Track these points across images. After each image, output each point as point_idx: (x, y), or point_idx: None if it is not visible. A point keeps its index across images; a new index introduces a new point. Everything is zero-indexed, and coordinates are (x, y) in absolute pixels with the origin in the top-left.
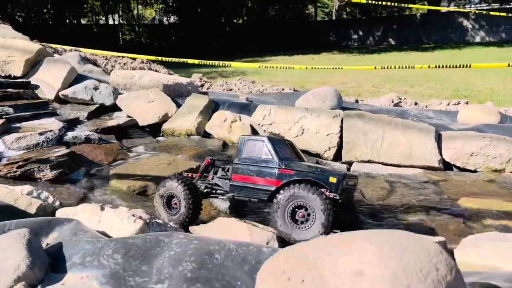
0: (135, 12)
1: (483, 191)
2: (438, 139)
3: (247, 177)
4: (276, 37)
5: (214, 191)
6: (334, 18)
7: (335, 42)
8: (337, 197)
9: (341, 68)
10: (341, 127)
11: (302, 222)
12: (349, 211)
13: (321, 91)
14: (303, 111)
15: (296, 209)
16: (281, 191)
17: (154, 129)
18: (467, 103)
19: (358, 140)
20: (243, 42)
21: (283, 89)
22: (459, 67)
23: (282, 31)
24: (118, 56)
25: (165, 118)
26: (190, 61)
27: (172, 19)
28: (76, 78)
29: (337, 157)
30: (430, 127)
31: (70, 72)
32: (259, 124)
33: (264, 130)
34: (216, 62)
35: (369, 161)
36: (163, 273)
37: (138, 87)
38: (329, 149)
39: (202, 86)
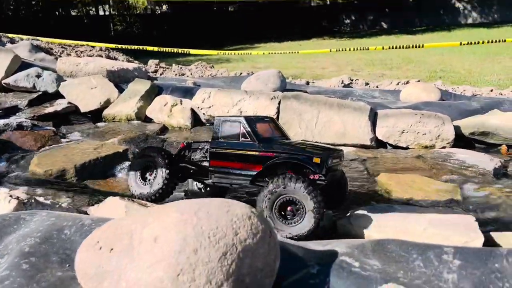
0: (127, 2)
1: (407, 167)
2: (374, 117)
3: (226, 162)
4: (269, 24)
5: (193, 173)
6: (328, 3)
7: (328, 27)
8: (323, 178)
9: (297, 52)
10: (279, 108)
11: (290, 217)
12: (340, 188)
13: (264, 74)
14: (243, 93)
15: (285, 204)
16: (270, 185)
17: (96, 115)
18: (419, 81)
19: (293, 120)
20: (234, 30)
21: (241, 73)
22: (413, 47)
23: (275, 17)
24: (77, 45)
25: (107, 104)
26: (149, 48)
27: (164, 8)
28: (21, 66)
29: None
30: (365, 106)
31: (13, 60)
32: (198, 107)
33: (204, 113)
34: (176, 50)
35: (303, 141)
36: (8, 249)
37: (84, 73)
38: None
39: (155, 71)
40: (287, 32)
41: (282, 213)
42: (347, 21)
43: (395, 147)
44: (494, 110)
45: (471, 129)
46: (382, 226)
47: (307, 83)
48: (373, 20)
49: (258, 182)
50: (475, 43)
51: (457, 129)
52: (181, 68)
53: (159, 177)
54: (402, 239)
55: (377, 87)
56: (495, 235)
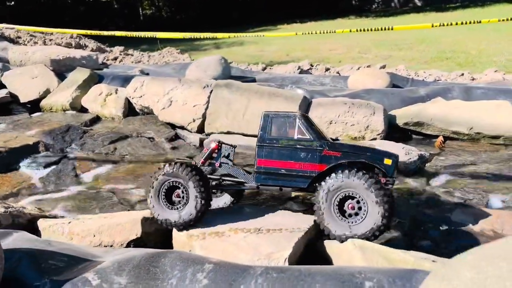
0: None
1: None
2: (307, 107)
3: (278, 162)
4: (294, 4)
5: (222, 183)
6: None
7: (357, 6)
8: (391, 182)
9: (263, 36)
10: (210, 97)
11: (350, 215)
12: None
13: (204, 61)
14: (176, 82)
15: (345, 200)
16: (327, 178)
17: (36, 106)
18: (383, 67)
19: (221, 110)
20: (260, 11)
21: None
22: (382, 29)
23: None
24: (47, 33)
25: (46, 94)
26: (118, 33)
27: None
28: None
29: (202, 129)
30: (297, 95)
31: None
32: (130, 97)
33: (135, 103)
34: (143, 34)
35: (228, 132)
36: None
37: (32, 62)
38: (194, 120)
39: (115, 59)
40: (313, 12)
41: (344, 211)
42: None
43: (332, 138)
44: (437, 98)
45: (406, 119)
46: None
47: (263, 69)
48: None
49: (319, 186)
50: (459, 22)
51: (393, 119)
52: (142, 55)
53: (191, 202)
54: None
55: (338, 73)
56: (328, 244)
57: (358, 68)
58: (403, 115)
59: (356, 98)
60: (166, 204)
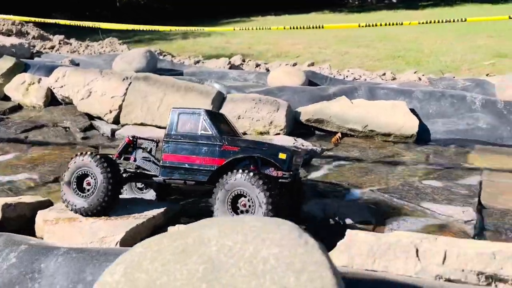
0: None
1: None
2: (221, 102)
3: (182, 156)
4: None
5: (136, 176)
6: None
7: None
8: (286, 176)
9: (203, 30)
10: (128, 90)
11: (242, 212)
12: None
13: (130, 54)
14: (97, 73)
15: (238, 198)
16: (223, 176)
17: None
18: (312, 64)
19: (137, 102)
20: (237, 2)
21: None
22: (314, 28)
23: None
24: None
25: None
26: (62, 22)
27: None
28: None
29: (118, 120)
30: (211, 90)
31: None
32: (52, 87)
33: (56, 93)
34: (86, 24)
35: (142, 124)
36: None
37: None
38: (110, 112)
39: (52, 48)
40: (289, 6)
41: (237, 207)
42: None
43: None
44: (342, 97)
45: (308, 116)
46: None
47: (197, 62)
48: None
49: (215, 178)
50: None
51: (298, 115)
52: (80, 44)
53: (100, 187)
54: None
55: (267, 69)
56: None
57: (286, 65)
58: (307, 112)
59: (269, 94)
60: (76, 192)
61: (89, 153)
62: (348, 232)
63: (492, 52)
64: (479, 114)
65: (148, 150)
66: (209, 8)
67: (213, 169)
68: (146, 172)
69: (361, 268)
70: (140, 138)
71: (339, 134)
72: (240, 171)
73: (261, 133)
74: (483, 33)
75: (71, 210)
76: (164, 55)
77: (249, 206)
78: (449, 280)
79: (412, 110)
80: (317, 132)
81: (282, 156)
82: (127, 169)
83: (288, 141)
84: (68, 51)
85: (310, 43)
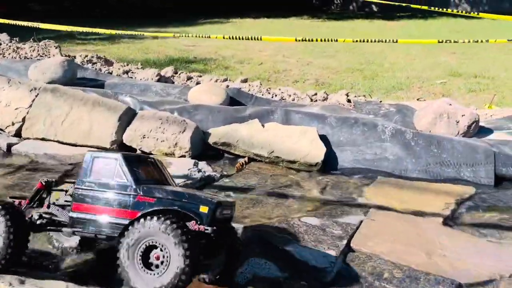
0: None
1: None
2: (131, 118)
3: (92, 207)
4: None
5: (50, 223)
6: None
7: (318, 5)
8: (209, 230)
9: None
10: (34, 101)
11: (157, 266)
12: (229, 241)
13: (45, 62)
14: (4, 82)
15: (150, 250)
16: (130, 227)
17: None
18: (225, 80)
19: (40, 116)
20: (221, 2)
21: (74, 57)
22: (251, 39)
23: None
24: None
25: None
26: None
27: None
28: None
29: (20, 133)
30: (120, 106)
31: None
32: None
33: None
34: (26, 23)
35: (43, 139)
36: None
37: None
38: (13, 124)
39: None
40: (272, 8)
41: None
42: (338, 1)
43: (142, 151)
44: (254, 120)
45: (215, 138)
46: None
47: (126, 72)
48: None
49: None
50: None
51: (208, 137)
52: (9, 46)
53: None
54: None
55: (197, 83)
56: None
57: (216, 81)
58: (215, 134)
59: (184, 112)
60: None
61: None
62: None
63: (449, 71)
64: (387, 144)
65: (70, 194)
66: (188, 8)
67: (125, 223)
68: (59, 221)
69: None
70: (59, 181)
71: (245, 159)
72: (155, 217)
73: (166, 154)
74: (448, 49)
75: None
76: (94, 63)
77: (164, 258)
78: None
79: (324, 137)
80: (226, 155)
81: (204, 209)
82: (42, 215)
83: (188, 164)
84: None
85: (279, 50)
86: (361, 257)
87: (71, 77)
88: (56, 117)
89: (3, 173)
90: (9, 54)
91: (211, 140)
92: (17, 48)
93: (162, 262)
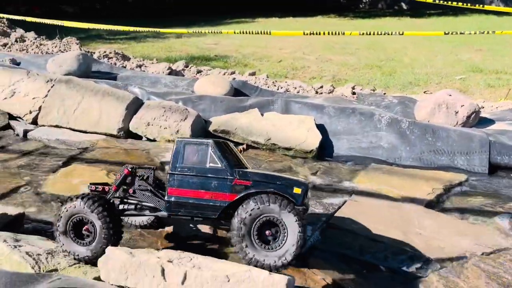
0: None
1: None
2: (137, 108)
3: (189, 191)
4: None
5: (135, 208)
6: None
7: (345, 4)
8: (304, 211)
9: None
10: (49, 92)
11: (269, 242)
12: None
13: (61, 57)
14: (23, 74)
15: (264, 227)
16: (242, 206)
17: None
18: (254, 74)
19: (54, 105)
20: (245, 2)
21: (93, 53)
22: (261, 33)
23: None
24: None
25: None
26: (17, 17)
27: None
28: None
29: (37, 121)
30: (128, 96)
31: None
32: None
33: None
34: (46, 21)
35: (56, 126)
36: None
37: None
38: (30, 112)
39: (4, 46)
40: (299, 8)
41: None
42: None
43: (148, 138)
44: (254, 109)
45: (215, 126)
46: None
47: (140, 66)
48: None
49: (226, 214)
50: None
51: (209, 125)
52: (33, 43)
53: (99, 236)
54: None
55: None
56: None
57: (224, 74)
58: (216, 122)
59: (188, 102)
60: (75, 239)
61: (80, 197)
62: (108, 248)
63: (470, 67)
64: (383, 133)
65: (145, 178)
66: (212, 8)
67: (224, 205)
68: (147, 205)
69: (116, 283)
70: (139, 167)
71: (243, 146)
72: (272, 196)
73: (169, 141)
74: (474, 46)
75: (74, 259)
76: (110, 58)
77: (276, 233)
78: None
79: (321, 126)
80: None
81: (297, 190)
82: (127, 201)
83: None
84: (17, 49)
85: (297, 48)
86: (338, 234)
87: (86, 70)
88: (68, 106)
89: (18, 155)
90: (32, 50)
91: (211, 128)
92: (40, 44)
93: (275, 238)
